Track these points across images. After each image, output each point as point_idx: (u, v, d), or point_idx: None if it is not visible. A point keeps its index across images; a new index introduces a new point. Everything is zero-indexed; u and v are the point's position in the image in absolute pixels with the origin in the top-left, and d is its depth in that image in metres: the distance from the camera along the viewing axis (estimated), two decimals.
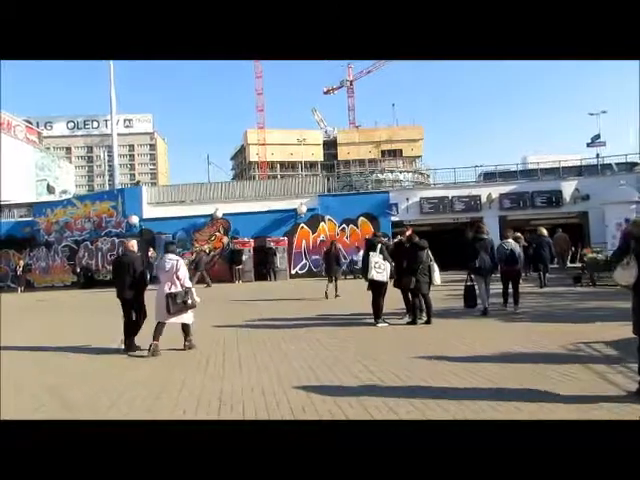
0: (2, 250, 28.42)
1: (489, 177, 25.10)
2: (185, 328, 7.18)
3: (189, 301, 6.99)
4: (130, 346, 7.28)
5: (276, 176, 77.16)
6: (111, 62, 29.92)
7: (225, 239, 23.43)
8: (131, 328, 7.36)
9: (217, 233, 23.56)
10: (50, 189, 51.77)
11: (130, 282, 7.31)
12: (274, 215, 23.30)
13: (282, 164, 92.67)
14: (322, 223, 23.24)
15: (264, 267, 22.22)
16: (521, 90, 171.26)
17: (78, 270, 25.18)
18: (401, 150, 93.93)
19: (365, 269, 8.76)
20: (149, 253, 21.39)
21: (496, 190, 22.84)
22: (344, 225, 23.19)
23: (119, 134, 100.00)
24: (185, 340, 7.19)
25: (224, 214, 23.31)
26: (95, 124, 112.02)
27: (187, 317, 7.14)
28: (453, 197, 23.01)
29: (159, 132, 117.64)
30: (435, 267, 8.96)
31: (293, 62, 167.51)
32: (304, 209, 23.00)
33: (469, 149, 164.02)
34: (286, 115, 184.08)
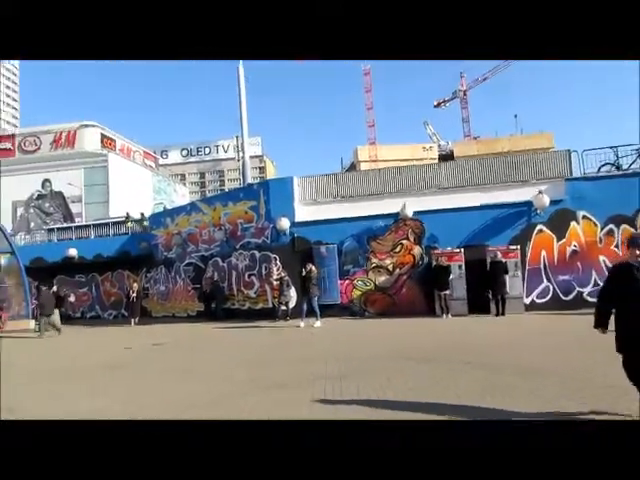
0: (116, 271, 23.23)
1: None
2: None
3: None
4: None
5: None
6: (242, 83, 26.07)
7: (417, 250, 15.64)
8: None
9: (405, 241, 15.80)
10: None
11: None
12: (492, 212, 15.05)
13: None
14: (574, 223, 14.62)
15: (492, 292, 13.94)
16: None
17: (205, 292, 18.80)
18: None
19: None
20: (308, 268, 14.32)
21: None
22: (612, 225, 14.36)
23: (229, 159, 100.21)
24: None
25: (415, 212, 15.56)
26: (207, 150, 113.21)
27: None
28: None
29: (267, 155, 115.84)
30: None
31: (401, 75, 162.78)
32: (545, 201, 14.53)
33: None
34: (396, 131, 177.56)
